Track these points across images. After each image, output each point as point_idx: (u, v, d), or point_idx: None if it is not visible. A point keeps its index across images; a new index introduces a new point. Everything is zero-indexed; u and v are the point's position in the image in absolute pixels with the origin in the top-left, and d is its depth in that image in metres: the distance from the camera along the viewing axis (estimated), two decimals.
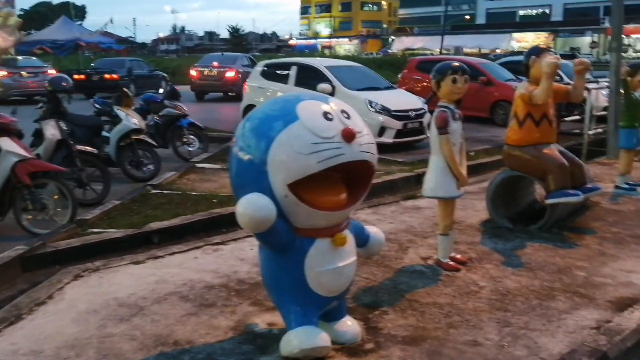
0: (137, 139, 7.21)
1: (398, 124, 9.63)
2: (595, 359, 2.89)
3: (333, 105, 2.61)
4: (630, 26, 62.12)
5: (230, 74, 19.39)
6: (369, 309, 3.41)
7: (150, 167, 7.37)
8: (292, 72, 10.96)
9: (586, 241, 4.82)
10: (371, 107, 9.62)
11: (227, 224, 5.22)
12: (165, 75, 24.33)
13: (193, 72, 20.37)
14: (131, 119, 7.20)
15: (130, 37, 72.87)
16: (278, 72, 11.38)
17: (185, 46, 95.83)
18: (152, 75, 22.73)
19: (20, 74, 17.73)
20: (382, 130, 9.56)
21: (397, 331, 3.12)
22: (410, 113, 9.79)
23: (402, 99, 10.33)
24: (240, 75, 18.56)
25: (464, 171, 4.05)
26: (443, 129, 3.93)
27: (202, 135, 8.93)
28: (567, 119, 10.96)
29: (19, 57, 21.02)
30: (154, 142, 7.43)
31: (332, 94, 9.95)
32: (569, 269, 4.17)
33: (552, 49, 5.04)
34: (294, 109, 2.52)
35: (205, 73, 19.97)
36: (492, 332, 3.15)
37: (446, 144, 3.93)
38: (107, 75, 19.92)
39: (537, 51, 4.96)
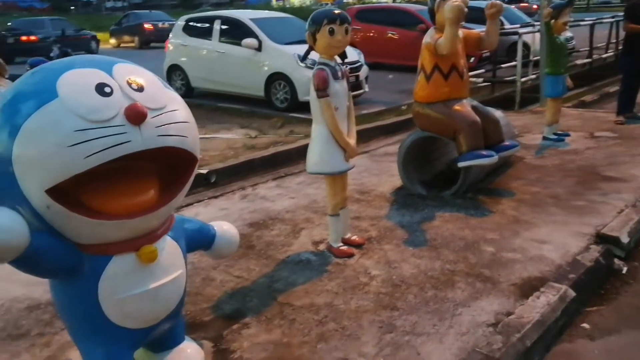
0: None
1: None
2: None
3: (118, 74, 1.88)
4: None
5: None
6: (227, 322, 2.83)
7: None
8: (216, 26, 10.06)
9: (502, 206, 4.34)
10: (301, 62, 8.87)
11: None
12: (95, 35, 22.86)
13: (148, 26, 24.85)
14: (2, 90, 6.31)
15: None
16: (201, 27, 10.47)
17: (133, 3, 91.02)
18: (78, 35, 21.18)
19: None
20: None
21: (252, 353, 2.56)
22: (344, 67, 9.08)
23: None
24: None
25: (352, 140, 3.46)
26: (322, 91, 3.31)
27: None
28: (503, 65, 10.44)
29: None
30: None
31: (259, 49, 9.19)
32: (477, 243, 3.68)
33: None
34: (54, 83, 1.77)
35: (160, 26, 24.46)
36: (371, 342, 2.63)
37: (327, 109, 3.32)
38: (24, 38, 18.39)
39: None
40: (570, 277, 3.19)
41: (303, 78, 8.83)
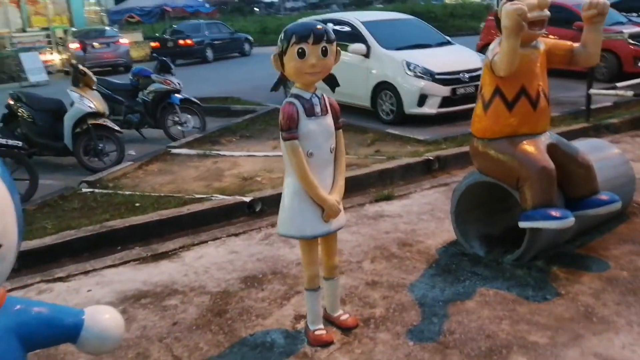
0: (96, 124, 6.33)
1: (443, 90, 7.86)
2: None
3: None
4: None
5: None
6: None
7: (114, 155, 6.51)
8: None
9: (578, 286, 3.14)
10: (409, 69, 7.94)
11: (122, 241, 4.22)
12: (249, 37, 23.57)
13: None
14: (86, 102, 6.32)
15: None
16: None
17: (311, 2, 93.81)
18: (232, 38, 22.03)
19: (92, 45, 17.80)
20: (422, 99, 7.87)
21: None
22: (461, 75, 7.95)
23: (453, 58, 8.47)
24: None
25: (334, 196, 2.60)
26: (286, 131, 2.52)
27: (199, 112, 7.88)
28: None
29: (107, 28, 21.39)
30: (116, 127, 6.50)
31: (367, 55, 8.43)
32: (508, 348, 2.61)
33: None
34: None
35: None
36: None
37: (293, 155, 2.52)
38: (181, 41, 19.49)
39: None
40: None
41: (411, 88, 7.92)
